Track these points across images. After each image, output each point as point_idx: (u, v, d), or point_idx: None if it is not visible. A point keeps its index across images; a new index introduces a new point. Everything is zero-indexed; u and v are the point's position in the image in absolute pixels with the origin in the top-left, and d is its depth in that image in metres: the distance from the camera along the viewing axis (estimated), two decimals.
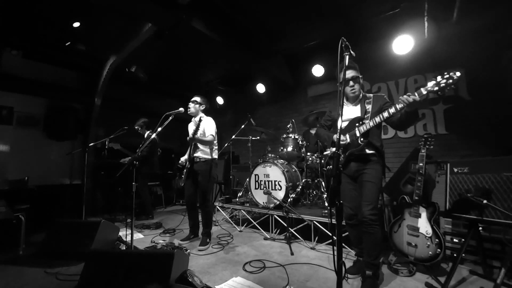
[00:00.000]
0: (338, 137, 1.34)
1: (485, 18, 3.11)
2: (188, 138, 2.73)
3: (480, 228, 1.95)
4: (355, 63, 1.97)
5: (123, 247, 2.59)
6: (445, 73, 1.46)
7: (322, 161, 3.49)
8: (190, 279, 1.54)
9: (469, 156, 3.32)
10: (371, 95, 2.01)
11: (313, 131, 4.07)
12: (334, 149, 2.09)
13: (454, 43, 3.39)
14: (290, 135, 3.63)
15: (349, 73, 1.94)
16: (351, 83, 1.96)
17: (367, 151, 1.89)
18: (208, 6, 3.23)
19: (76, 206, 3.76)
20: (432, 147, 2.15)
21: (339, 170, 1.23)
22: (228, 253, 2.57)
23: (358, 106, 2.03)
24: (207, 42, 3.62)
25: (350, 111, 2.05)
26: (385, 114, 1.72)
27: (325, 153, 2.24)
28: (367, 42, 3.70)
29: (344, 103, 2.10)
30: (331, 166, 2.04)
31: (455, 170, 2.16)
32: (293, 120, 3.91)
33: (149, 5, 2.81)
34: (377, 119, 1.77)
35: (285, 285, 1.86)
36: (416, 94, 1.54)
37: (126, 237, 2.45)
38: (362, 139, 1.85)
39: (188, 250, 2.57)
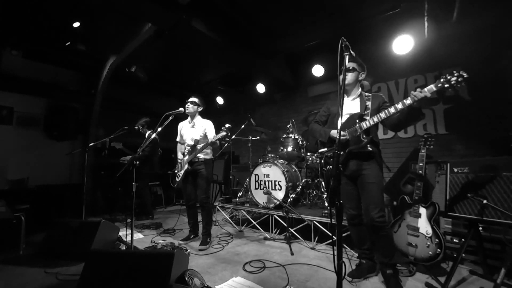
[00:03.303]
0: (338, 136, 1.32)
1: (485, 18, 3.10)
2: (193, 142, 2.75)
3: (480, 228, 1.95)
4: (360, 60, 1.97)
5: (123, 247, 2.59)
6: (454, 71, 1.45)
7: (322, 160, 3.49)
8: (187, 278, 1.54)
9: (469, 156, 3.33)
10: (370, 94, 2.00)
11: None
12: (326, 147, 2.02)
13: (454, 43, 3.39)
14: (290, 135, 3.63)
15: (349, 64, 1.93)
16: (348, 72, 1.94)
17: (369, 148, 1.86)
18: (208, 6, 3.23)
19: (76, 206, 3.75)
20: (432, 147, 2.14)
21: (339, 170, 1.22)
22: (228, 253, 2.56)
23: (357, 102, 2.00)
24: (207, 42, 3.61)
25: (347, 105, 2.01)
26: (392, 110, 1.68)
27: (320, 150, 2.10)
28: (367, 42, 3.69)
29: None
30: (331, 166, 2.00)
31: (455, 170, 2.15)
32: (293, 120, 3.91)
33: (149, 5, 2.81)
34: (382, 115, 1.73)
35: (285, 285, 1.86)
36: (426, 90, 1.51)
37: (126, 237, 2.45)
38: (364, 135, 1.82)
39: (188, 250, 2.57)
